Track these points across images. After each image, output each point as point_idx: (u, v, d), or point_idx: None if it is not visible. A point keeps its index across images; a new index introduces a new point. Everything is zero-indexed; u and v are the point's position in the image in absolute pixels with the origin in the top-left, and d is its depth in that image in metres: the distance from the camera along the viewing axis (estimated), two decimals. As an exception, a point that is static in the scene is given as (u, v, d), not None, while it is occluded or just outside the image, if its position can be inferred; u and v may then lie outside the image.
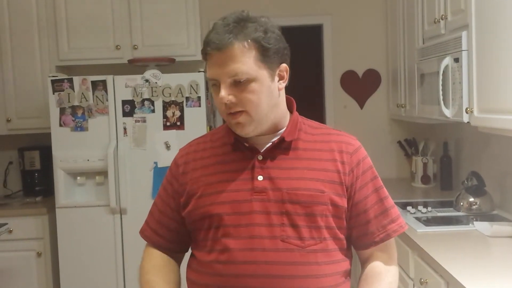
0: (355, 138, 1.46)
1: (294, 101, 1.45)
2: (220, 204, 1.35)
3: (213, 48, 1.29)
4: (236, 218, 1.34)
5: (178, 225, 1.46)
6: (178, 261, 1.52)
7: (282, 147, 1.38)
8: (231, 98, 1.30)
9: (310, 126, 1.45)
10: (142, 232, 1.53)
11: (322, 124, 1.50)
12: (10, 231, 3.53)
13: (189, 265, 1.45)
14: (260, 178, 1.35)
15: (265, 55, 1.31)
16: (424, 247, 2.32)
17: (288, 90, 1.43)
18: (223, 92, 1.30)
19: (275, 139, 1.39)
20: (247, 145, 1.39)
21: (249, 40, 1.29)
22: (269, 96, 1.34)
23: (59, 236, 3.48)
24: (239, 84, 1.29)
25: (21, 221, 3.59)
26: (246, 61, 1.29)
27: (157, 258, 1.49)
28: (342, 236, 1.38)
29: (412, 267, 2.54)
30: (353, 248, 1.46)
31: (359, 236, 1.42)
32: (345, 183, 1.36)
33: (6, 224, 3.37)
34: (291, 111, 1.44)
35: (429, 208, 2.99)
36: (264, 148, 1.38)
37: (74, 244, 3.47)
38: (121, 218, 3.45)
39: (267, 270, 1.29)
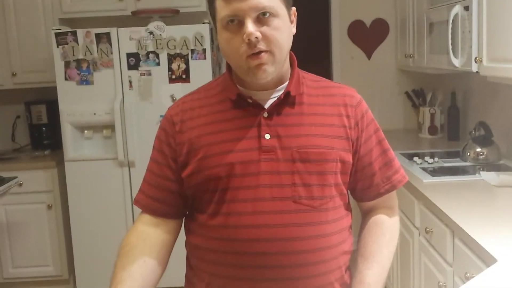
0: (355, 90, 1.40)
1: (294, 56, 1.37)
2: (225, 165, 1.26)
3: None
4: (244, 180, 1.26)
5: (180, 186, 1.35)
6: (172, 231, 1.39)
7: (288, 102, 1.30)
8: (259, 34, 1.19)
9: (310, 80, 1.38)
10: (138, 202, 1.40)
11: (319, 76, 1.43)
12: (20, 184, 3.58)
13: (188, 229, 1.37)
14: (267, 136, 1.27)
15: None
16: (430, 197, 2.34)
17: (294, 40, 1.35)
18: (251, 27, 1.18)
19: (278, 94, 1.31)
20: (250, 101, 1.30)
21: None
22: (288, 37, 1.27)
23: (69, 189, 3.53)
24: (263, 20, 1.20)
25: (31, 175, 3.64)
26: None
27: (135, 238, 1.36)
28: (346, 192, 1.36)
29: (417, 217, 2.57)
30: (355, 200, 1.45)
31: (364, 189, 1.40)
32: (351, 137, 1.32)
33: (16, 177, 3.41)
34: (291, 66, 1.36)
35: (436, 159, 2.99)
36: (269, 104, 1.30)
37: (83, 196, 3.52)
38: (129, 171, 3.49)
39: (278, 233, 1.24)
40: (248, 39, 1.19)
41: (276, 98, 1.30)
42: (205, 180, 1.29)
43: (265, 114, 1.29)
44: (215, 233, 1.29)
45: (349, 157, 1.32)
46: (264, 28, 1.20)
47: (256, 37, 1.19)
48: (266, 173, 1.26)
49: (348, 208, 1.39)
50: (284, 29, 1.24)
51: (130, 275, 1.28)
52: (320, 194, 1.28)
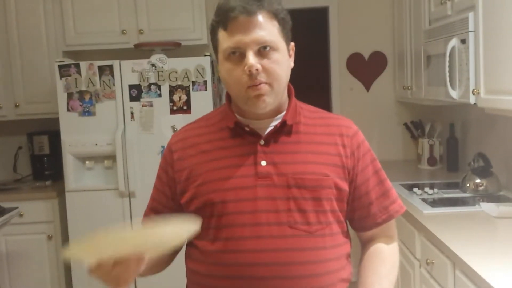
0: (352, 122, 1.44)
1: (292, 87, 1.41)
2: (222, 191, 1.30)
3: (241, 12, 1.23)
4: (241, 205, 1.29)
5: (172, 212, 1.40)
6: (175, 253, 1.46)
7: (284, 131, 1.35)
8: (259, 66, 1.24)
9: (307, 110, 1.43)
10: (143, 214, 1.50)
11: (317, 108, 1.47)
12: (21, 215, 3.58)
13: (188, 255, 1.40)
14: (263, 163, 1.31)
15: (284, 28, 1.30)
16: (430, 228, 2.34)
17: (294, 72, 1.42)
18: (252, 60, 1.24)
19: (275, 123, 1.35)
20: (247, 129, 1.35)
21: (273, 10, 1.27)
22: (287, 70, 1.32)
23: (69, 220, 3.52)
24: (264, 54, 1.25)
25: (32, 205, 3.64)
26: (272, 30, 1.26)
27: None
28: (343, 219, 1.38)
29: (418, 248, 2.56)
30: (354, 230, 1.46)
31: (361, 218, 1.41)
32: (347, 166, 1.35)
33: (17, 207, 3.41)
34: (289, 97, 1.40)
35: (436, 190, 3.00)
36: (266, 132, 1.34)
37: (84, 227, 3.51)
38: (130, 202, 3.49)
39: (276, 257, 1.26)
40: (249, 71, 1.24)
41: (273, 127, 1.34)
42: (202, 206, 1.33)
43: (262, 142, 1.33)
44: (214, 258, 1.31)
45: (344, 185, 1.35)
46: (265, 61, 1.26)
47: (257, 69, 1.24)
48: (263, 199, 1.29)
49: (346, 236, 1.40)
50: (283, 62, 1.29)
51: None
52: (316, 219, 1.30)
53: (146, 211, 1.49)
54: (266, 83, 1.26)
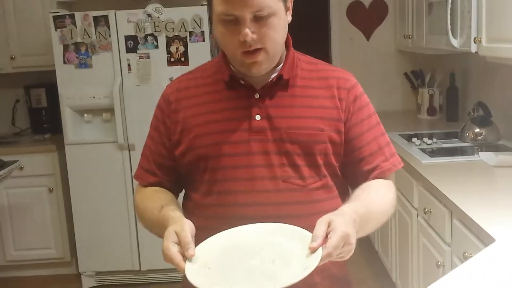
0: (351, 75, 1.40)
1: (290, 37, 1.36)
2: (216, 145, 1.29)
3: None
4: (234, 160, 1.29)
5: (174, 163, 1.38)
6: None
7: (280, 84, 1.31)
8: (255, 36, 1.19)
9: (305, 62, 1.38)
10: (137, 176, 1.45)
11: (316, 59, 1.43)
12: (21, 168, 3.60)
13: (185, 208, 1.38)
14: (258, 117, 1.29)
15: None
16: (428, 178, 2.35)
17: (293, 22, 1.35)
18: (247, 28, 1.18)
19: (272, 76, 1.31)
20: (242, 82, 1.31)
21: None
22: (284, 30, 1.27)
23: (70, 173, 3.54)
24: (260, 20, 1.19)
25: (32, 158, 3.66)
26: None
27: (150, 188, 1.42)
28: (339, 173, 1.36)
29: (416, 198, 2.59)
30: (349, 187, 1.42)
31: (353, 174, 1.37)
32: (343, 119, 1.33)
33: (17, 161, 3.43)
34: (287, 48, 1.36)
35: (434, 140, 3.00)
36: (261, 86, 1.31)
37: (84, 180, 3.53)
38: (129, 154, 3.50)
39: (269, 211, 1.26)
40: (244, 39, 1.20)
41: (269, 81, 1.31)
42: (195, 159, 1.32)
43: (257, 95, 1.31)
44: (207, 211, 1.32)
45: (341, 139, 1.33)
46: (260, 27, 1.20)
47: (252, 39, 1.20)
48: (257, 153, 1.29)
49: (343, 190, 1.39)
50: (279, 25, 1.24)
51: (168, 199, 1.34)
52: (309, 174, 1.30)
53: (139, 173, 1.44)
54: (262, 48, 1.22)
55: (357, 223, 1.13)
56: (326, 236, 1.08)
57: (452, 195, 2.10)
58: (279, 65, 1.33)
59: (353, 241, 1.10)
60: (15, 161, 3.40)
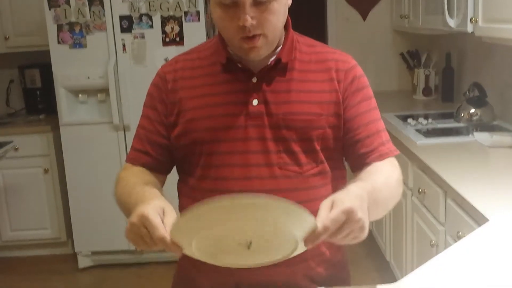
0: (350, 57, 1.36)
1: (289, 19, 1.32)
2: (212, 129, 1.26)
3: None
4: (230, 145, 1.26)
5: (170, 142, 1.34)
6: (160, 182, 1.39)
7: (278, 68, 1.28)
8: (254, 22, 1.16)
9: (304, 44, 1.35)
10: (129, 158, 1.39)
11: (315, 40, 1.39)
12: (16, 149, 3.59)
13: (181, 192, 1.37)
14: (255, 102, 1.26)
15: None
16: (423, 159, 2.36)
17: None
18: (247, 14, 1.15)
19: (271, 60, 1.27)
20: (240, 65, 1.27)
21: None
22: (284, 15, 1.24)
23: (65, 153, 3.53)
24: (260, 4, 1.15)
25: (26, 139, 3.65)
26: None
27: (136, 167, 1.36)
28: (339, 157, 1.34)
29: (411, 178, 2.60)
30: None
31: (348, 157, 1.35)
32: (341, 100, 1.29)
33: (12, 141, 3.42)
34: (286, 29, 1.32)
35: (430, 120, 3.01)
36: (259, 70, 1.27)
37: (79, 160, 3.53)
38: (124, 135, 3.49)
39: None
40: (243, 25, 1.16)
41: (266, 64, 1.27)
42: (191, 143, 1.29)
43: (254, 79, 1.27)
44: (203, 196, 1.25)
45: (341, 122, 1.30)
46: (260, 13, 1.17)
47: (252, 24, 1.16)
48: (253, 139, 1.26)
49: (342, 174, 1.36)
50: (280, 10, 1.20)
51: (146, 181, 1.28)
52: (306, 160, 1.27)
53: (132, 155, 1.39)
54: (261, 34, 1.19)
55: (365, 200, 1.06)
56: None
57: (447, 175, 2.11)
58: (277, 48, 1.29)
59: (361, 216, 1.01)
60: (10, 142, 3.39)
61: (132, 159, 1.38)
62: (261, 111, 1.26)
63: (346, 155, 1.35)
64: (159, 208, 1.06)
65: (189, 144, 1.30)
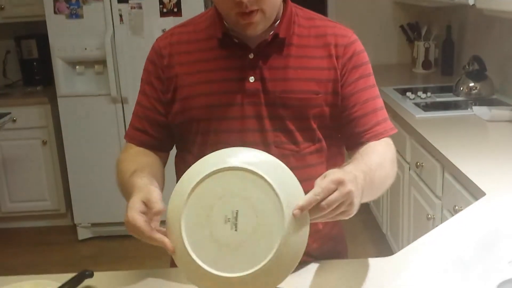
0: (351, 31, 1.32)
1: None
2: (208, 107, 1.24)
3: None
4: (227, 123, 1.24)
5: (167, 120, 1.32)
6: (162, 161, 1.37)
7: (276, 43, 1.23)
8: None
9: (303, 17, 1.30)
10: (127, 135, 1.37)
11: (315, 13, 1.34)
12: (14, 120, 3.58)
13: (179, 168, 1.35)
14: (251, 79, 1.23)
15: None
16: (421, 132, 2.36)
17: None
18: None
19: (268, 35, 1.23)
20: (236, 41, 1.24)
21: None
22: None
23: (63, 125, 3.53)
24: None
25: (24, 111, 3.63)
26: None
27: (135, 148, 1.34)
28: (337, 134, 1.33)
29: (408, 152, 2.60)
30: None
31: (343, 135, 1.33)
32: (339, 77, 1.26)
33: (10, 113, 3.41)
34: (284, 1, 1.28)
35: (429, 94, 3.00)
36: (256, 45, 1.23)
37: (77, 132, 3.53)
38: (122, 107, 3.48)
39: None
40: (240, 0, 1.12)
41: (264, 39, 1.24)
42: (188, 121, 1.27)
43: (251, 55, 1.24)
44: None
45: (339, 100, 1.27)
46: None
47: (249, 1, 1.13)
48: (250, 117, 1.24)
49: (340, 151, 1.35)
50: None
51: (145, 164, 1.25)
52: (302, 139, 1.26)
53: (130, 132, 1.36)
54: (258, 9, 1.15)
55: (359, 178, 1.04)
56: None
57: (445, 149, 2.11)
58: (275, 22, 1.26)
59: (350, 188, 0.98)
60: (7, 113, 3.38)
61: (131, 138, 1.36)
62: (257, 88, 1.24)
63: (341, 133, 1.33)
64: (141, 205, 1.04)
65: (185, 122, 1.28)
